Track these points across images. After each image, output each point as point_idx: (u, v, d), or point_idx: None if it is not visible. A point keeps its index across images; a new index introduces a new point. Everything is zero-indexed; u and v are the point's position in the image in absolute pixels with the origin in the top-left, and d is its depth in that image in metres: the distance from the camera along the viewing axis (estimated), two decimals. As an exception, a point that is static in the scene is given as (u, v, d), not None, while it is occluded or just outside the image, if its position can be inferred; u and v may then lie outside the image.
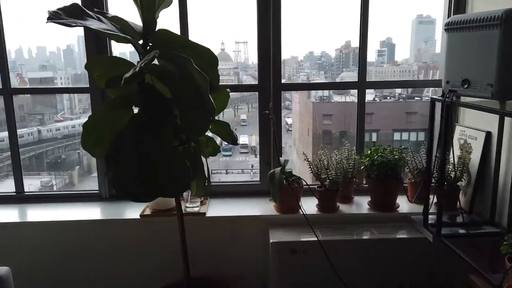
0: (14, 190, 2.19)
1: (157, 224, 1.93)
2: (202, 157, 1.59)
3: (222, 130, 1.61)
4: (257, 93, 2.11)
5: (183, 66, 1.29)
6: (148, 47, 1.37)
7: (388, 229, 1.85)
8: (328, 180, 1.90)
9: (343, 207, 1.97)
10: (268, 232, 1.86)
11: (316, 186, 1.97)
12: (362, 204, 2.02)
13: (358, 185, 2.10)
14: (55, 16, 1.12)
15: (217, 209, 2.00)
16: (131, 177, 1.31)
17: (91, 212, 2.01)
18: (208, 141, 1.67)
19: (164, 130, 1.35)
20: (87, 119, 1.37)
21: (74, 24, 1.09)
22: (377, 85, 2.67)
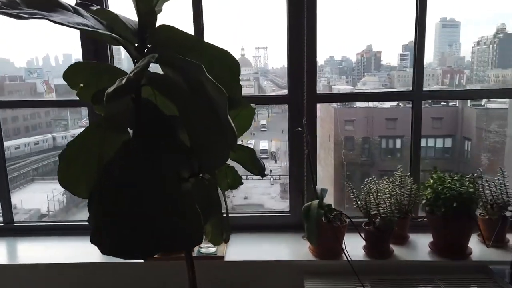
0: (1, 220, 1.88)
1: (166, 270, 1.56)
2: (219, 191, 1.22)
3: (244, 158, 1.23)
4: (286, 106, 1.73)
5: (192, 75, 0.92)
6: (145, 50, 1.01)
7: (459, 283, 1.42)
8: (379, 217, 1.49)
9: (397, 251, 1.56)
10: (303, 283, 1.47)
11: (363, 224, 1.56)
12: (421, 246, 1.60)
13: (414, 219, 1.68)
14: (7, 6, 0.77)
15: (239, 250, 1.62)
16: (118, 226, 0.96)
17: (89, 252, 1.66)
18: (227, 170, 1.30)
19: (164, 160, 0.99)
20: (65, 148, 1.02)
21: (28, 16, 0.74)
22: (438, 95, 2.15)
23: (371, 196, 1.50)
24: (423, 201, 1.53)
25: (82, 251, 1.66)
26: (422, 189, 1.56)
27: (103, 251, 0.98)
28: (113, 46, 1.69)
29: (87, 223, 1.81)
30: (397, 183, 1.61)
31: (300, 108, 1.69)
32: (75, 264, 1.58)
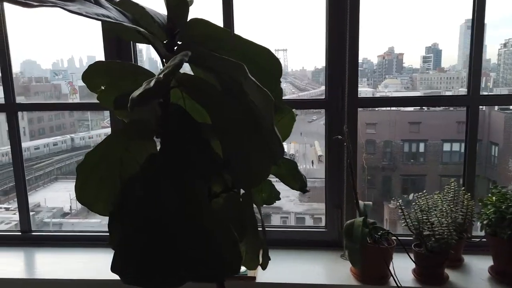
0: (19, 229, 1.78)
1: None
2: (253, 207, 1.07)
3: (284, 171, 1.08)
4: (323, 110, 1.57)
5: (231, 76, 0.78)
6: (175, 48, 0.88)
7: (528, 317, 1.22)
8: (433, 238, 1.31)
9: (452, 276, 1.37)
10: (344, 311, 1.30)
11: (412, 244, 1.38)
12: (478, 271, 1.41)
13: (470, 240, 1.49)
14: (17, -6, 0.65)
15: (272, 269, 1.46)
16: (142, 253, 0.82)
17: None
18: (263, 184, 1.15)
19: (196, 176, 0.85)
20: (83, 159, 0.89)
21: (37, 4, 0.62)
22: (497, 100, 1.91)
23: (424, 215, 1.32)
24: (484, 221, 1.34)
25: (104, 265, 1.54)
26: (483, 209, 1.37)
27: (125, 281, 0.85)
28: (137, 46, 1.58)
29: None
30: (449, 198, 1.42)
31: (340, 114, 1.52)
32: (100, 282, 1.46)
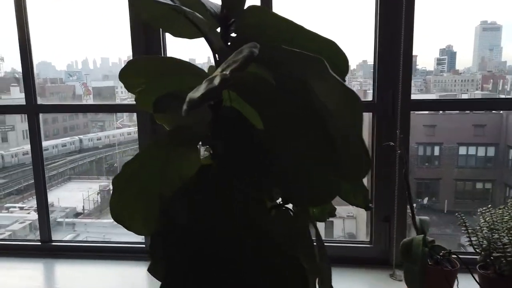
0: (39, 238, 1.67)
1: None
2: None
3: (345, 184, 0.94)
4: (370, 114, 1.43)
5: (303, 74, 0.64)
6: (229, 42, 0.74)
7: None
8: (504, 261, 1.15)
9: (524, 303, 1.21)
10: None
11: (478, 266, 1.23)
12: (553, 297, 1.24)
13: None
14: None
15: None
16: (185, 278, 0.69)
17: (138, 282, 1.42)
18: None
19: (252, 191, 0.71)
20: (120, 170, 0.77)
21: None
22: None
23: (496, 233, 1.16)
24: None
25: (134, 281, 1.42)
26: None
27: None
28: (166, 42, 1.46)
29: (137, 245, 1.59)
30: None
31: (391, 118, 1.38)
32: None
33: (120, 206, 0.79)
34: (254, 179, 0.69)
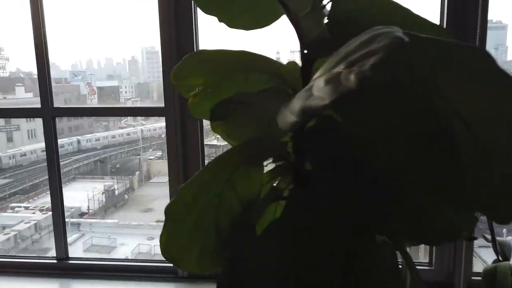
0: (55, 255, 1.51)
1: None
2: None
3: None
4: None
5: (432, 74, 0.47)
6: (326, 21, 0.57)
7: None
8: None
9: None
10: None
11: None
12: None
13: None
14: None
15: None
16: None
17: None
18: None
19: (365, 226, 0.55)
20: (175, 196, 0.60)
21: None
22: None
23: None
24: None
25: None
26: None
27: None
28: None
29: (163, 264, 1.42)
30: None
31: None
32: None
33: (174, 241, 0.62)
34: (367, 214, 0.52)
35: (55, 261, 1.49)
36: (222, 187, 0.63)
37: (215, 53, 0.59)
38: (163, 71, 1.28)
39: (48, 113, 1.37)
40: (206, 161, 1.44)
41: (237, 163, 0.63)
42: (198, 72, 0.61)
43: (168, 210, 0.61)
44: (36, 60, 1.35)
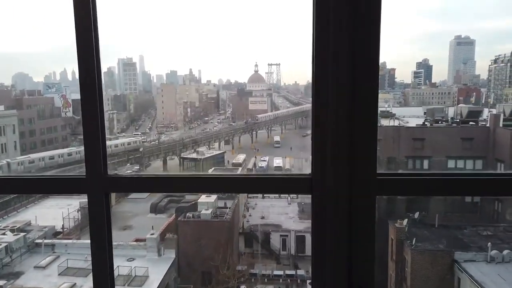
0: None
1: None
2: None
3: None
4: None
5: None
6: None
7: None
8: None
9: None
10: None
11: None
12: None
13: None
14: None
15: None
16: None
17: None
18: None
19: None
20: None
21: None
22: None
23: None
24: None
25: None
26: None
27: None
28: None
29: None
30: None
31: None
32: None
33: None
34: None
35: None
36: None
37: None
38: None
39: (99, 185, 1.11)
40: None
41: None
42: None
43: None
44: (82, 106, 1.09)
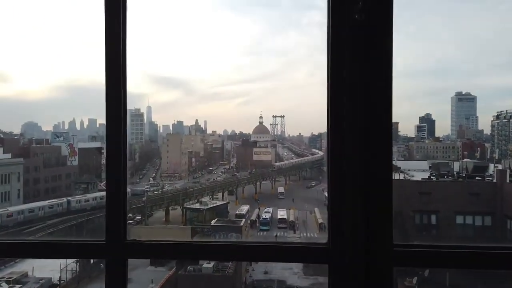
0: None
1: None
2: None
3: None
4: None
5: None
6: None
7: None
8: None
9: None
10: None
11: None
12: None
13: None
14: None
15: None
16: None
17: None
18: None
19: None
20: None
21: None
22: None
23: None
24: None
25: None
26: None
27: None
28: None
29: None
30: None
31: None
32: None
33: None
34: None
35: None
36: None
37: None
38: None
39: (118, 251, 1.12)
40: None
41: None
42: None
43: None
44: (107, 173, 1.13)
